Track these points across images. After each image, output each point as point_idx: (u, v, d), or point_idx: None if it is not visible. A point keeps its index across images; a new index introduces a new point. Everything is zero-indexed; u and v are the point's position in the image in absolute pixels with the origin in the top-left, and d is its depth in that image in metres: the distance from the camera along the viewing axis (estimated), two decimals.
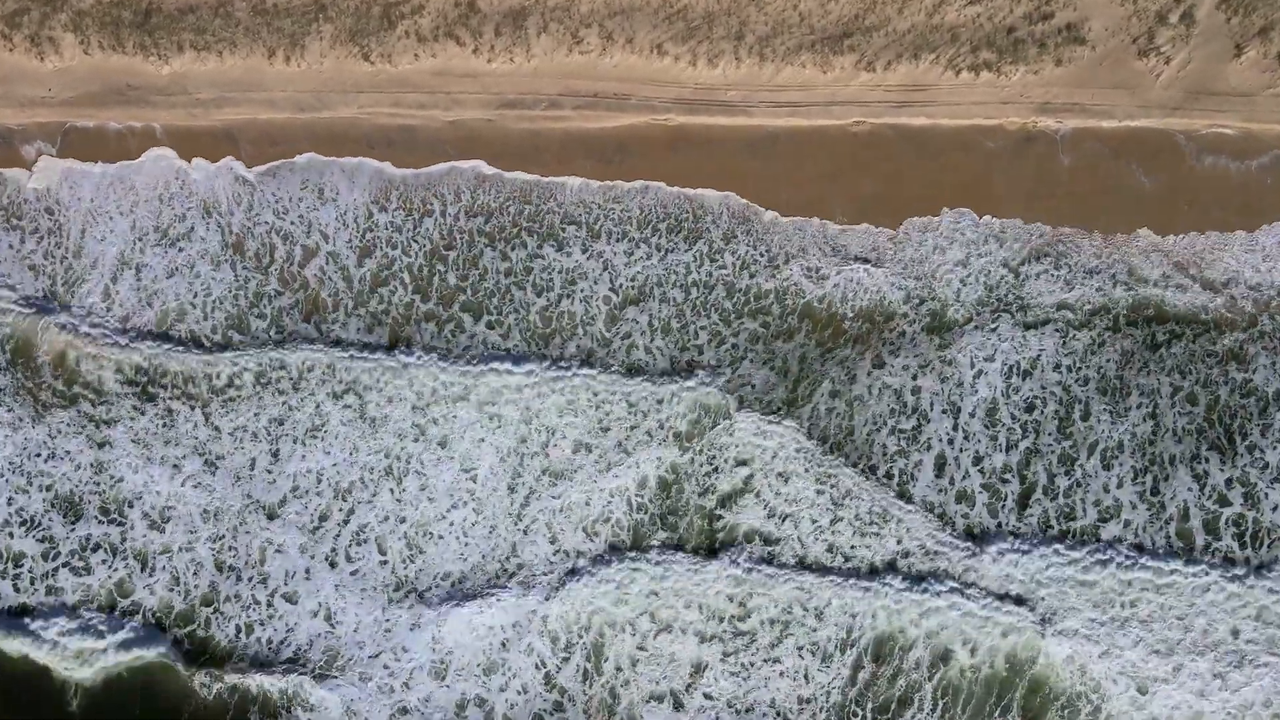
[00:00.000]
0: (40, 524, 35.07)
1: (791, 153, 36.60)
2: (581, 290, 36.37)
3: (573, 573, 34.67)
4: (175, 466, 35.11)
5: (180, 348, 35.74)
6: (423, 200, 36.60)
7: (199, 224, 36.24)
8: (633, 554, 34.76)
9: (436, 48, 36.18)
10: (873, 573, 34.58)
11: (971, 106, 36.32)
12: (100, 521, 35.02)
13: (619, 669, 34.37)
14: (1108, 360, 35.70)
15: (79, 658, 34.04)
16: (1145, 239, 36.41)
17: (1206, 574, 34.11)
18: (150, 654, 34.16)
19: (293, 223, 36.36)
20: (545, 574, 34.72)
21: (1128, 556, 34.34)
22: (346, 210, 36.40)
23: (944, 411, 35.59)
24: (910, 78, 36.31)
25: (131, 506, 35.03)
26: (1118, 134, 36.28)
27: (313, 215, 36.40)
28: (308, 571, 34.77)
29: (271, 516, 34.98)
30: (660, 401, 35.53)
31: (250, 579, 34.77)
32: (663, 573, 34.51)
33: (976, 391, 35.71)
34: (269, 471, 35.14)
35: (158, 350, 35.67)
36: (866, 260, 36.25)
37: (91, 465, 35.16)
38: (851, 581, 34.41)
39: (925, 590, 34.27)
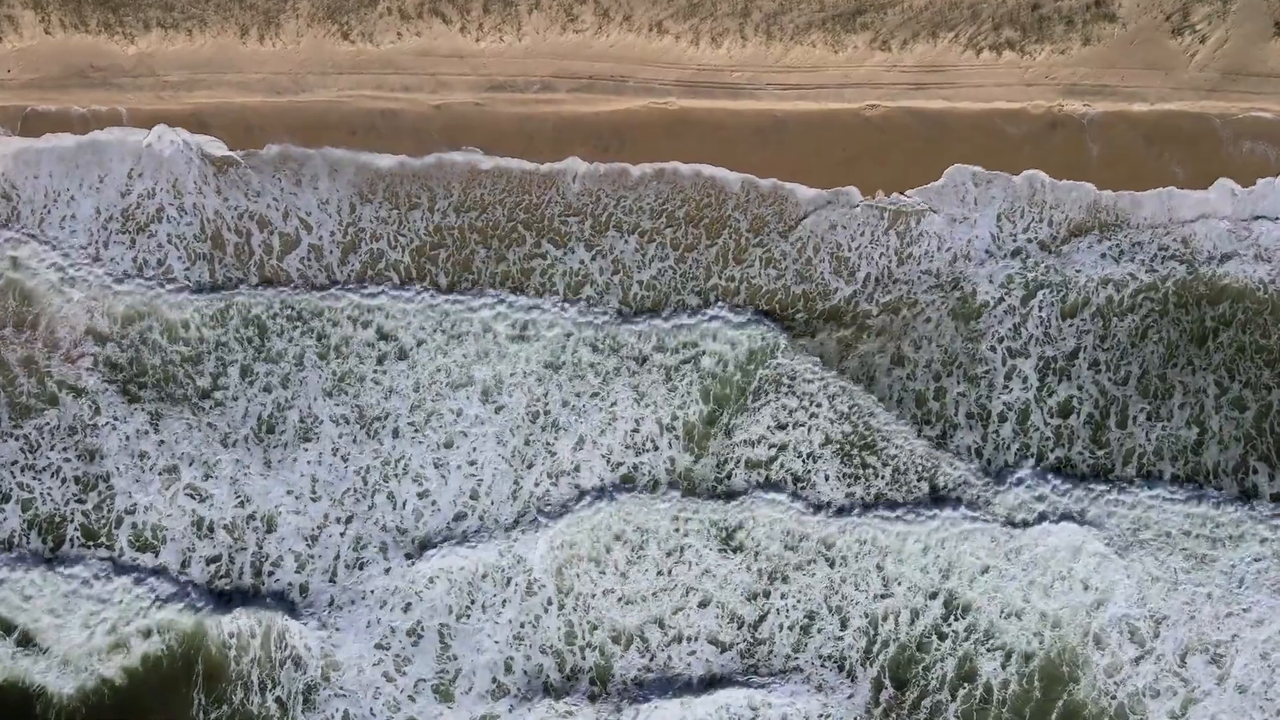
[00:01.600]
0: (16, 544, 34.00)
1: (801, 138, 35.52)
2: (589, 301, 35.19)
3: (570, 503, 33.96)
4: (168, 472, 34.13)
5: (158, 285, 34.75)
6: (409, 194, 35.37)
7: (169, 206, 35.17)
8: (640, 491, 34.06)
9: (421, 25, 35.16)
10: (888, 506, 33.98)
11: (993, 89, 35.23)
12: (86, 545, 33.97)
13: (625, 690, 33.35)
14: (1151, 352, 34.37)
15: (67, 664, 33.12)
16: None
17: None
18: (179, 606, 33.35)
19: (269, 205, 35.23)
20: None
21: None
22: (329, 199, 35.28)
23: (970, 416, 34.38)
24: (928, 58, 35.26)
25: (119, 526, 33.99)
26: (1149, 118, 35.24)
27: (289, 200, 35.28)
28: (304, 588, 33.86)
29: (270, 529, 34.13)
30: (674, 391, 34.13)
31: (246, 602, 33.93)
32: (675, 510, 33.67)
33: (1010, 391, 34.44)
34: (263, 477, 34.22)
35: (135, 290, 34.59)
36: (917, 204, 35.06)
37: (76, 479, 34.09)
38: (875, 515, 33.60)
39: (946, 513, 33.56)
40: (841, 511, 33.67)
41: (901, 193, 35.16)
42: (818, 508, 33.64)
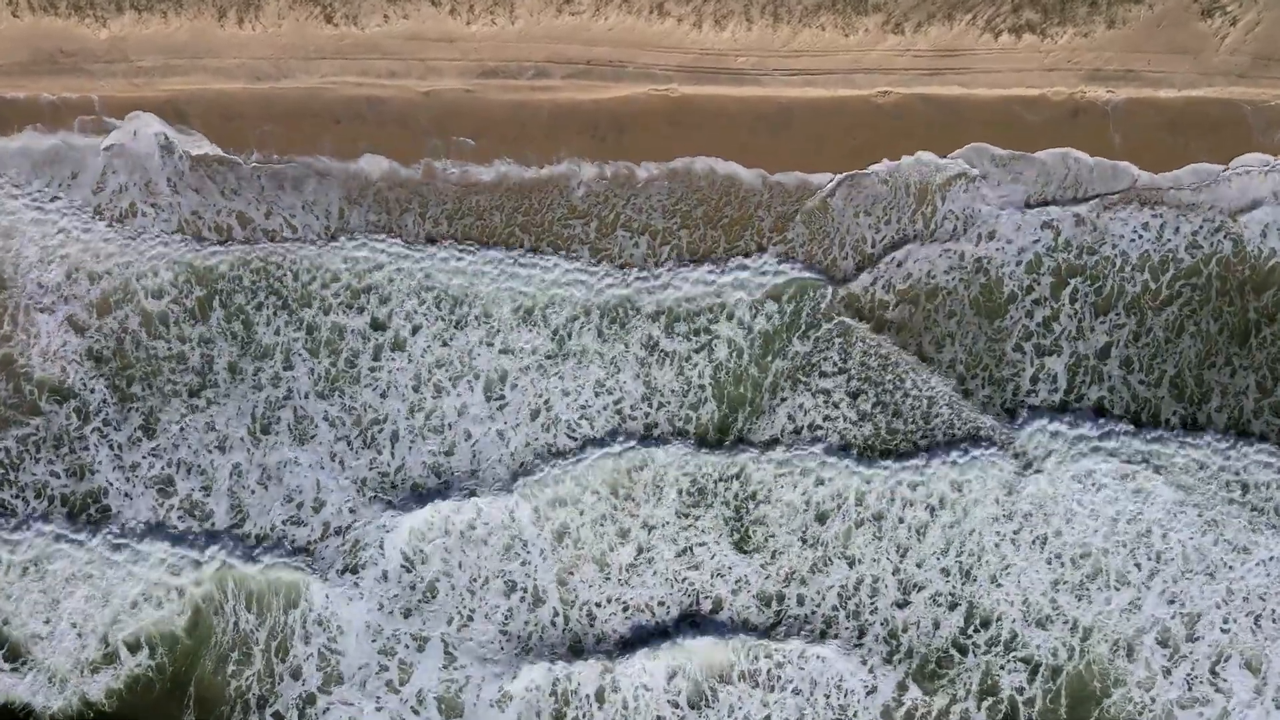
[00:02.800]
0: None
1: (808, 126, 35.01)
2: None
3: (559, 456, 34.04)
4: (162, 488, 33.93)
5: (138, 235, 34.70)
6: (399, 199, 35.02)
7: (143, 203, 34.91)
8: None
9: (409, 8, 34.57)
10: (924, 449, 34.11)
11: (1012, 74, 34.74)
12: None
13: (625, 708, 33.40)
14: (1188, 348, 34.02)
15: (54, 680, 33.03)
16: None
17: None
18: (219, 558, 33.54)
19: (250, 204, 34.86)
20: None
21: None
22: (315, 201, 34.95)
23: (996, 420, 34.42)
24: (943, 41, 34.72)
25: (117, 550, 33.81)
26: (1176, 105, 34.80)
27: (271, 202, 34.94)
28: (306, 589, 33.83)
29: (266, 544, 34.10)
30: (687, 387, 34.02)
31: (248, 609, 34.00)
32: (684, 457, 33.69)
33: (1037, 394, 34.20)
34: (264, 486, 34.00)
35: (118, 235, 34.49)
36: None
37: (63, 497, 33.95)
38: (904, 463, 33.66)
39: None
40: (863, 458, 33.64)
41: (942, 156, 34.85)
42: (845, 448, 33.60)
